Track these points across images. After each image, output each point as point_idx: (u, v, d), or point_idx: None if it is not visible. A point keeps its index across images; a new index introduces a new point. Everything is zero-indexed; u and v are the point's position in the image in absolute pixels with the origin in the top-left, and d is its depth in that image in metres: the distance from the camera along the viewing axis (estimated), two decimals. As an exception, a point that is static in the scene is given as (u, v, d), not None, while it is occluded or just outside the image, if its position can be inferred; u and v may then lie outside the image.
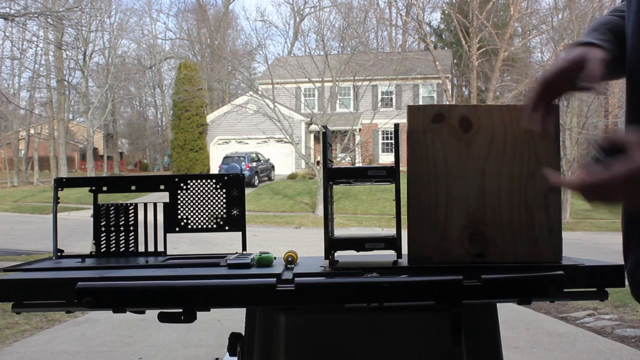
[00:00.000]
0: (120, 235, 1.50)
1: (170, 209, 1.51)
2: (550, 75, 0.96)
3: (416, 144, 1.13)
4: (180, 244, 8.08)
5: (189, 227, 1.51)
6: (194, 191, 1.51)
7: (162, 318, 1.07)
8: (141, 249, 1.51)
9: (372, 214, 17.97)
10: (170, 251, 1.51)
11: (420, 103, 29.81)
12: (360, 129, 26.40)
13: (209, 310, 1.10)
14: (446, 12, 34.87)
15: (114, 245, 1.49)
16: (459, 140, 1.11)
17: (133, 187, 1.51)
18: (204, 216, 1.50)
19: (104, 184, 1.52)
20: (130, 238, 1.50)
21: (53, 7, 18.24)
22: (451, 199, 1.12)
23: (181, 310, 1.06)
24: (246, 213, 1.52)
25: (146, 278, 1.16)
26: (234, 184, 1.50)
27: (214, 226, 1.50)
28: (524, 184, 1.10)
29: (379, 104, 26.59)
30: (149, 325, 4.78)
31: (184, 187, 1.51)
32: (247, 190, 21.01)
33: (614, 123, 25.03)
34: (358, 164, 23.10)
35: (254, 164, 23.88)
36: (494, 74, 28.63)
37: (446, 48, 35.70)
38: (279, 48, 57.78)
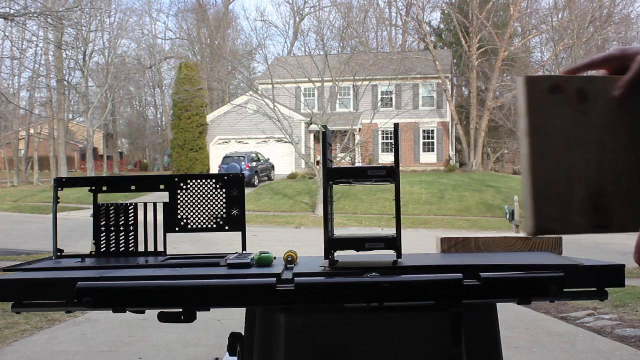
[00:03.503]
0: (120, 235, 1.50)
1: (170, 209, 1.51)
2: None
3: (534, 115, 1.09)
4: (180, 244, 8.08)
5: (189, 227, 1.51)
6: (194, 191, 1.51)
7: (162, 318, 1.07)
8: (141, 249, 1.51)
9: (372, 214, 17.97)
10: (170, 251, 1.51)
11: (420, 103, 29.82)
12: (360, 129, 26.40)
13: (209, 310, 1.10)
14: (446, 12, 34.86)
15: (114, 245, 1.49)
16: (577, 110, 1.09)
17: (133, 187, 1.51)
18: (204, 216, 1.50)
19: (104, 184, 1.52)
20: (130, 238, 1.50)
21: (53, 7, 18.24)
22: (571, 171, 1.09)
23: (181, 310, 1.06)
24: (246, 213, 1.52)
25: (146, 278, 1.16)
26: (234, 184, 1.50)
27: (214, 226, 1.50)
28: None
29: (379, 104, 26.59)
30: (149, 325, 4.78)
31: (184, 187, 1.51)
32: (247, 190, 21.01)
33: None
34: (358, 164, 23.10)
35: (254, 164, 23.88)
36: (494, 74, 28.62)
37: (446, 48, 35.70)
38: (279, 48, 57.76)
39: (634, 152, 1.09)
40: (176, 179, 1.52)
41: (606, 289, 1.14)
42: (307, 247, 9.56)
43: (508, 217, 9.89)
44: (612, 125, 1.10)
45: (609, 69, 1.13)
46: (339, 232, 1.24)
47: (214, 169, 27.24)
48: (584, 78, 1.11)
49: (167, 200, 1.51)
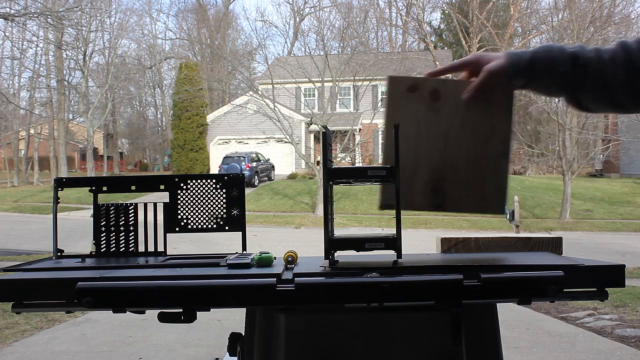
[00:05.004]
0: (120, 235, 1.50)
1: (170, 209, 1.51)
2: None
3: (392, 109, 1.27)
4: (180, 244, 8.08)
5: (189, 227, 1.51)
6: (194, 191, 1.50)
7: (162, 318, 1.07)
8: (141, 249, 1.50)
9: (372, 214, 17.96)
10: (170, 251, 1.50)
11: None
12: (360, 129, 26.40)
13: (209, 310, 1.10)
14: (446, 12, 34.87)
15: (114, 245, 1.49)
16: (428, 108, 1.26)
17: (133, 187, 1.50)
18: (204, 216, 1.50)
19: (104, 184, 1.51)
20: (130, 238, 1.50)
21: (53, 7, 18.23)
22: (417, 158, 1.26)
23: (181, 310, 1.05)
24: (246, 213, 1.52)
25: (146, 278, 1.15)
26: (234, 184, 1.50)
27: (214, 226, 1.50)
28: (479, 148, 1.26)
29: (379, 104, 26.58)
30: (149, 325, 4.78)
31: (184, 187, 1.51)
32: (247, 190, 21.01)
33: (613, 123, 25.02)
34: (358, 164, 23.10)
35: (254, 164, 23.87)
36: (494, 74, 28.57)
37: (446, 48, 35.70)
38: (279, 48, 57.76)
39: (472, 146, 1.26)
40: (176, 179, 1.52)
41: (606, 289, 1.14)
42: (307, 247, 9.56)
43: (508, 217, 9.90)
44: (458, 122, 1.27)
45: (467, 71, 1.27)
46: (339, 232, 1.24)
47: (214, 169, 27.24)
48: (439, 80, 1.28)
49: (167, 200, 1.51)
